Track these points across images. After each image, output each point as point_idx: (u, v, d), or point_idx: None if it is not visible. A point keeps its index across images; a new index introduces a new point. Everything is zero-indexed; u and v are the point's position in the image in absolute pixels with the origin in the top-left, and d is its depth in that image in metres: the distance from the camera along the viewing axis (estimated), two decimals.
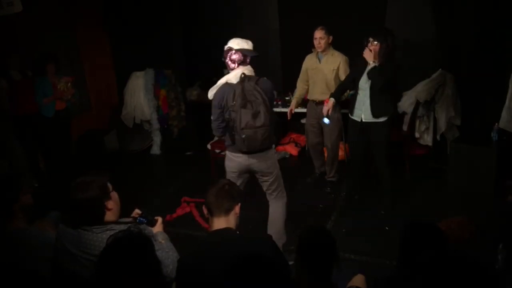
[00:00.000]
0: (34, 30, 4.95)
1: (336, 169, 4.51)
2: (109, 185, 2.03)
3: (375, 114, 3.70)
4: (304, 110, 5.11)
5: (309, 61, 4.38)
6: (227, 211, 2.01)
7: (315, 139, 4.48)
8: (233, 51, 2.98)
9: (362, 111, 3.76)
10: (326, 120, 4.11)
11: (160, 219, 2.26)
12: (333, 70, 4.18)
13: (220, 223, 2.00)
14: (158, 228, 2.23)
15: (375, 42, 3.57)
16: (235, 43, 3.01)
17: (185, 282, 1.90)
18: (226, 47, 3.05)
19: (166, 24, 5.86)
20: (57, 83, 4.83)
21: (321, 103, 4.16)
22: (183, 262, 1.94)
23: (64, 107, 4.99)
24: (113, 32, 6.07)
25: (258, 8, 5.69)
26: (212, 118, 3.07)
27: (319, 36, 4.10)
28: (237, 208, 2.06)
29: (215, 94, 3.01)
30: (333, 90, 4.17)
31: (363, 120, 3.77)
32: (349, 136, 4.04)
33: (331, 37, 4.14)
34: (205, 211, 2.07)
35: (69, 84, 4.92)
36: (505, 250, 2.68)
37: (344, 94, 4.33)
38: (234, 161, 3.12)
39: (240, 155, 3.06)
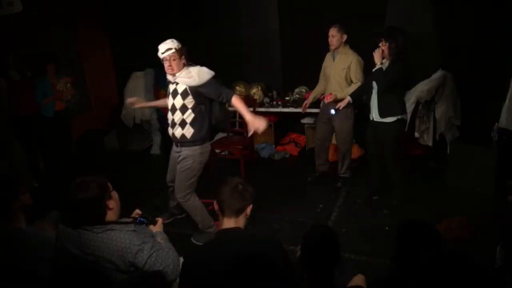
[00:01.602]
0: (34, 30, 4.94)
1: (348, 166, 4.52)
2: (109, 185, 2.04)
3: (381, 114, 3.74)
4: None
5: (326, 59, 4.40)
6: (238, 212, 1.99)
7: (323, 134, 4.49)
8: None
9: (373, 110, 3.81)
10: (332, 111, 4.19)
11: (160, 220, 2.27)
12: (343, 69, 4.17)
13: (229, 223, 1.99)
14: (157, 228, 2.24)
15: (384, 42, 3.60)
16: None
17: (188, 280, 1.91)
18: (183, 47, 3.28)
19: (166, 24, 5.86)
20: (57, 84, 4.83)
21: (333, 101, 4.21)
22: (187, 261, 1.94)
23: (64, 107, 4.99)
24: (113, 32, 6.07)
25: (258, 8, 5.69)
26: None
27: (331, 33, 4.10)
28: (248, 209, 2.04)
29: None
30: (344, 89, 4.18)
31: (374, 119, 3.82)
32: (366, 134, 4.06)
33: (345, 36, 4.12)
34: (216, 207, 2.04)
35: (69, 84, 4.92)
36: (504, 249, 2.68)
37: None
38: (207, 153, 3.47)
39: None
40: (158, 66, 5.75)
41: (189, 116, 3.31)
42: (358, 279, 2.05)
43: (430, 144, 4.80)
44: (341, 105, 4.07)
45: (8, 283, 2.03)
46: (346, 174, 4.55)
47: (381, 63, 3.66)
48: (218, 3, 5.75)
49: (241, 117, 5.13)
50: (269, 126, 5.67)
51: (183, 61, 3.23)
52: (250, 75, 5.96)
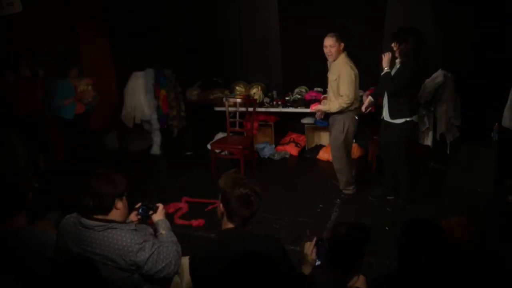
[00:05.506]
0: (34, 30, 4.94)
1: (345, 181, 4.15)
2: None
3: (391, 115, 3.74)
4: (304, 110, 5.11)
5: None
6: (245, 221, 1.95)
7: None
8: None
9: (384, 110, 3.82)
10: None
11: (161, 206, 2.27)
12: (333, 80, 3.86)
13: (230, 225, 1.97)
14: (159, 215, 2.23)
15: (395, 43, 3.61)
16: None
17: (196, 280, 1.91)
18: None
19: (166, 24, 5.86)
20: (78, 85, 4.92)
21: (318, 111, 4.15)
22: (193, 260, 1.94)
23: (83, 110, 5.04)
24: (113, 32, 6.07)
25: (258, 8, 5.69)
26: None
27: (329, 44, 3.71)
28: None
29: None
30: (334, 100, 3.91)
31: (384, 119, 3.83)
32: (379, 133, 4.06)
33: (342, 44, 3.73)
34: (221, 208, 1.97)
35: (89, 86, 4.99)
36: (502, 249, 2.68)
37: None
38: None
39: None
40: (158, 66, 5.82)
41: None
42: (358, 279, 2.06)
43: (430, 144, 4.80)
44: (365, 106, 3.98)
45: (8, 283, 2.03)
46: (348, 191, 4.21)
47: (387, 68, 3.66)
48: (218, 3, 5.76)
49: (241, 117, 5.15)
50: (269, 126, 5.73)
51: None
52: (250, 75, 5.97)
